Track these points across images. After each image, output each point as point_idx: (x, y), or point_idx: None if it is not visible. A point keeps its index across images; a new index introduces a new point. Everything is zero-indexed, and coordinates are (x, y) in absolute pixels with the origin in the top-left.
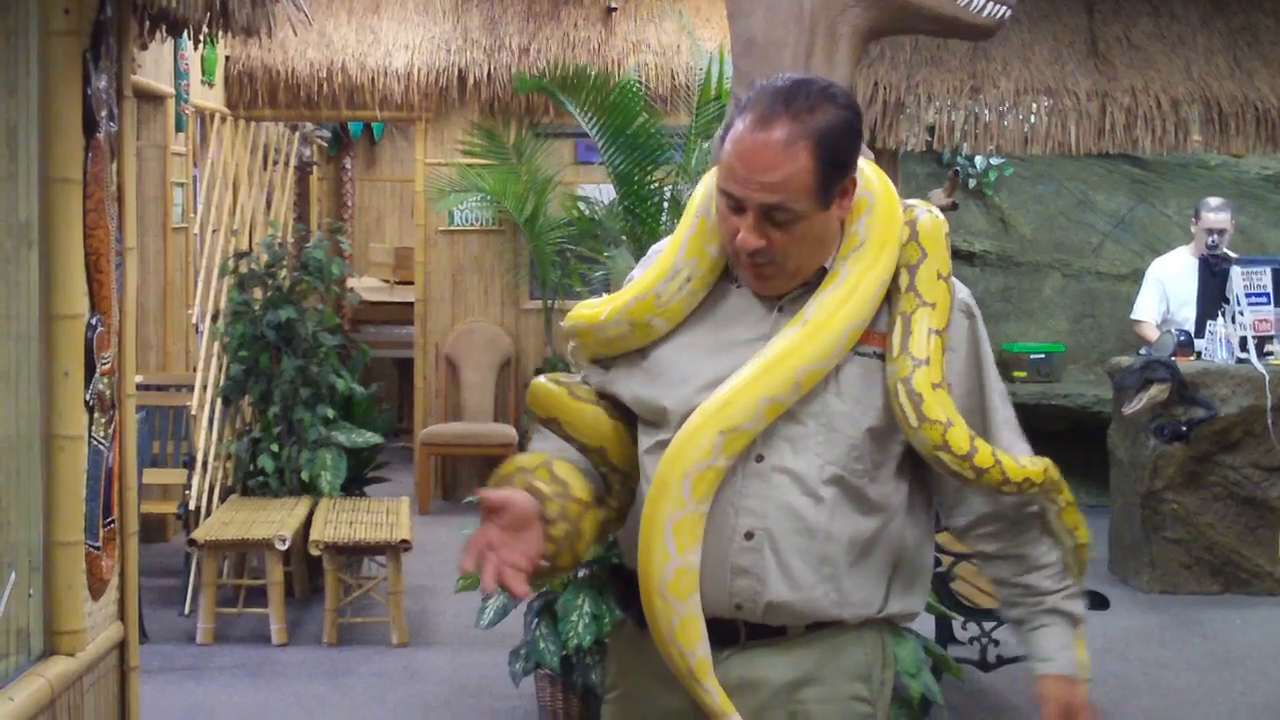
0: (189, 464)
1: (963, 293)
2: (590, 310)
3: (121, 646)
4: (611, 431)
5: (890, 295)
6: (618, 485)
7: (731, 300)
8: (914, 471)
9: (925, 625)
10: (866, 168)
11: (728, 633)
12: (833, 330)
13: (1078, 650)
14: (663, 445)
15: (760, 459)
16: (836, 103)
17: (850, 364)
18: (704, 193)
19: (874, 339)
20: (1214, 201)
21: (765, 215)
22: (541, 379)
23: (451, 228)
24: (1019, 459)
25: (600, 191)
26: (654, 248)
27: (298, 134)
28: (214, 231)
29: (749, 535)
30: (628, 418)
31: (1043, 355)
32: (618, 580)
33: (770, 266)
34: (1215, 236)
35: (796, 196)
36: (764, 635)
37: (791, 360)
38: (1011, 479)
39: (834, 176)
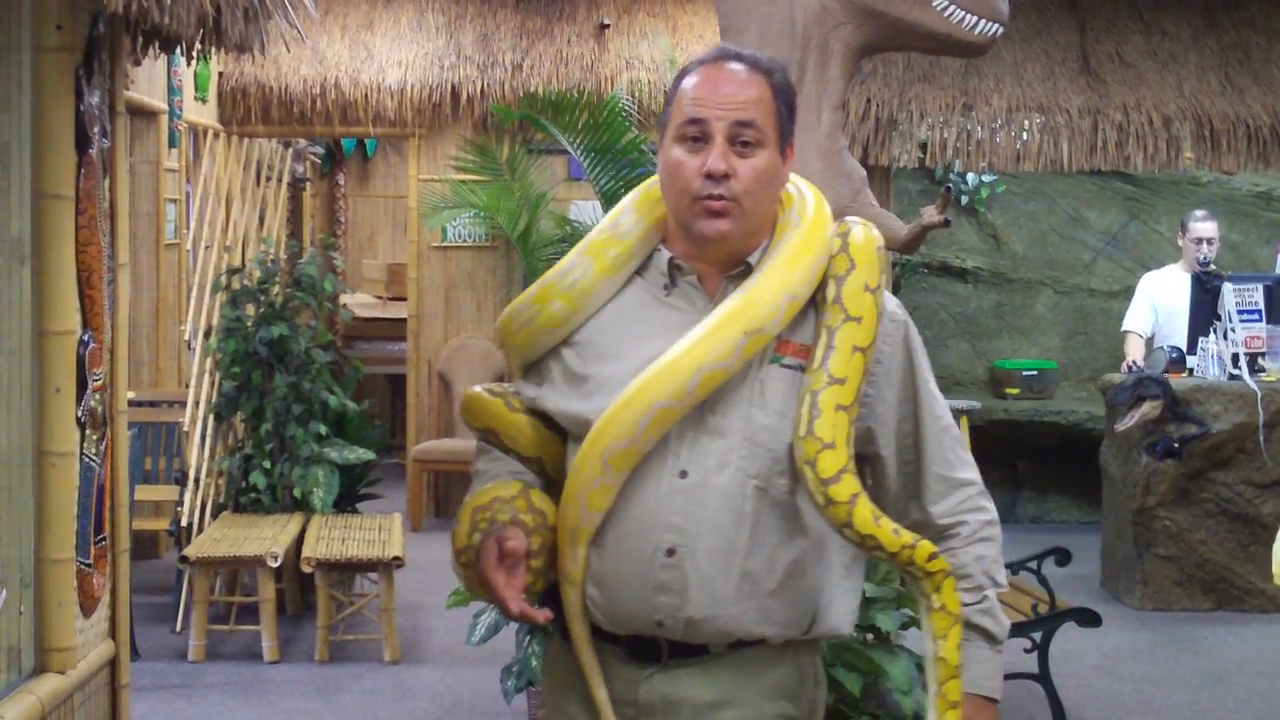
0: (181, 480)
1: (893, 303)
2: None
3: (113, 664)
4: (549, 442)
5: (816, 305)
6: (554, 497)
7: (660, 312)
8: None
9: (918, 642)
10: (799, 179)
11: (650, 651)
12: (825, 230)
13: (992, 668)
14: None
15: (684, 475)
16: (776, 61)
17: (773, 376)
18: (617, 210)
19: (800, 351)
20: (1199, 213)
21: (733, 140)
22: (476, 388)
23: (444, 244)
24: (885, 521)
25: (594, 208)
26: None
27: (291, 150)
28: (207, 248)
29: (671, 552)
30: (561, 430)
31: (1035, 372)
32: (547, 594)
33: (730, 203)
34: (1205, 246)
35: (764, 117)
36: (686, 654)
37: (807, 255)
38: (856, 527)
39: (788, 120)
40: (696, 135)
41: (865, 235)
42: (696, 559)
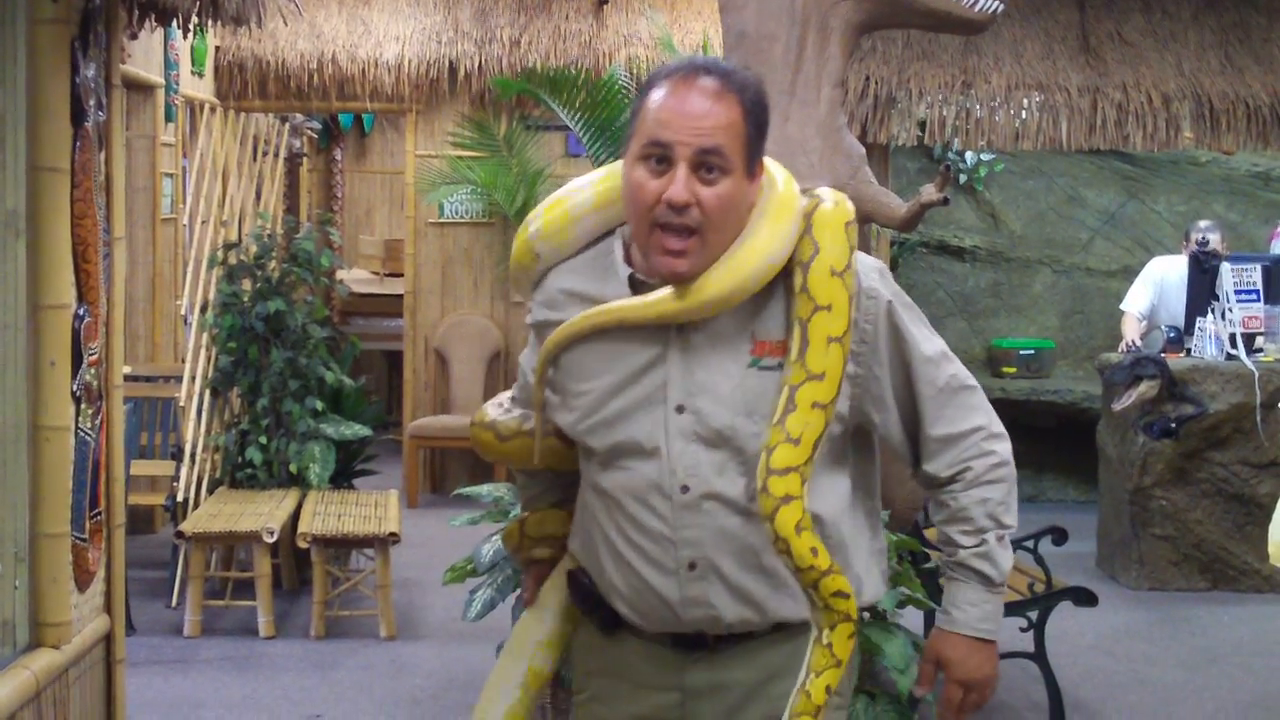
0: (177, 456)
1: (871, 277)
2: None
3: (108, 639)
4: (546, 454)
5: (787, 293)
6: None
7: (625, 330)
8: (854, 465)
9: (914, 620)
10: (769, 162)
11: (696, 641)
12: (794, 202)
13: (989, 611)
14: (595, 489)
15: (685, 489)
16: (749, 76)
17: (753, 380)
18: (577, 183)
19: (775, 349)
20: (1203, 224)
21: (698, 167)
22: (475, 420)
23: (441, 220)
24: (808, 536)
25: None
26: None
27: (288, 125)
28: (203, 222)
29: (692, 566)
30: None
31: (1032, 351)
32: (577, 584)
33: (691, 238)
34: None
35: (731, 144)
36: (731, 640)
37: (783, 220)
38: (775, 526)
39: (758, 140)
40: (660, 157)
41: (834, 211)
42: (720, 568)
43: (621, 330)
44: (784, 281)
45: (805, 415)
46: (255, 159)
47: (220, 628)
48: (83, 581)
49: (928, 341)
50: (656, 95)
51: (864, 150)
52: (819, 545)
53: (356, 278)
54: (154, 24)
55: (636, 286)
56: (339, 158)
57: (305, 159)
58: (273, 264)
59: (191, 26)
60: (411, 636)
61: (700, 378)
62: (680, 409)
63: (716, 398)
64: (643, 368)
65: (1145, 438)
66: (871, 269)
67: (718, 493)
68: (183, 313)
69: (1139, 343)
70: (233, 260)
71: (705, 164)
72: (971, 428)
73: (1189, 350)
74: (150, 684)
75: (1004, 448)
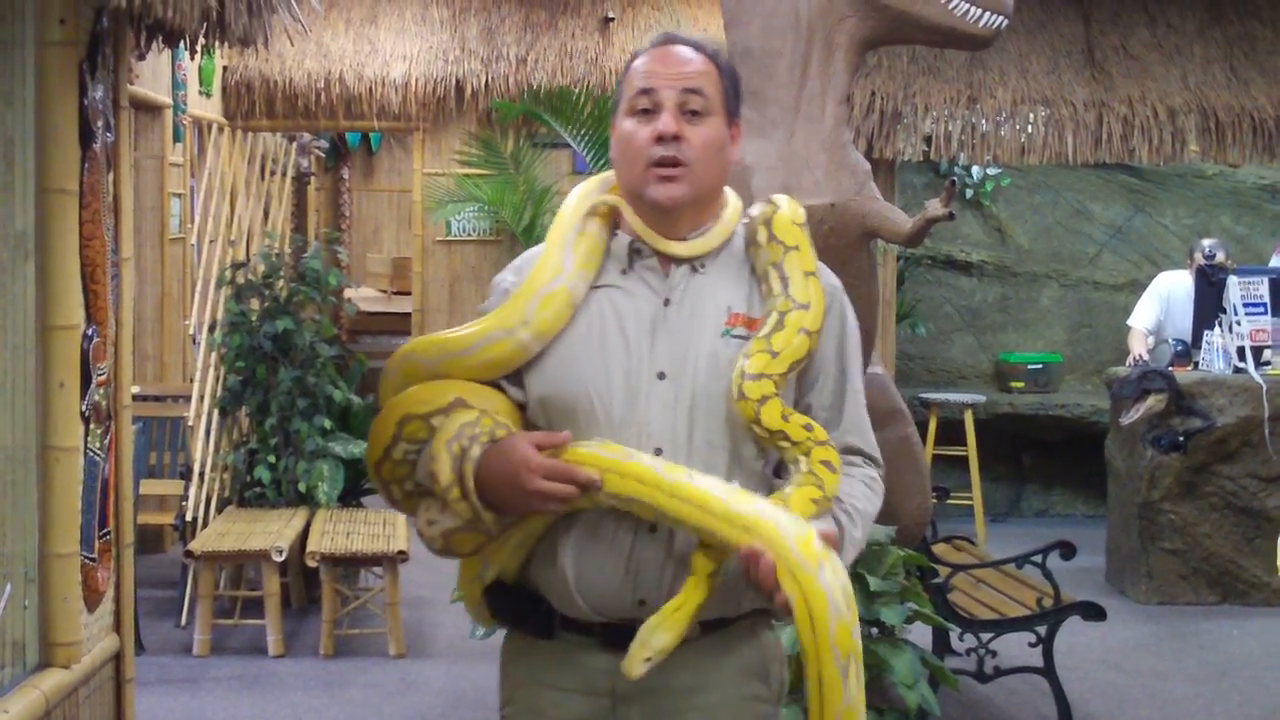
0: (186, 475)
1: (826, 270)
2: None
3: (117, 658)
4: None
5: (753, 255)
6: None
7: (617, 301)
8: None
9: (922, 636)
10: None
11: (625, 638)
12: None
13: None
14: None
15: (659, 451)
16: (720, 48)
17: (724, 348)
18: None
19: (748, 322)
20: (1207, 242)
21: (682, 107)
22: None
23: (449, 238)
24: (796, 418)
25: None
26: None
27: (295, 144)
28: (211, 242)
29: (653, 529)
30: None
31: (1040, 365)
32: (499, 594)
33: (680, 169)
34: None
35: (711, 88)
36: None
37: None
38: (765, 424)
39: (733, 98)
40: (647, 106)
41: (789, 200)
42: (676, 534)
43: (612, 306)
44: (753, 254)
45: (791, 336)
46: (263, 178)
47: (229, 647)
48: (92, 601)
49: (859, 357)
50: (639, 62)
51: (869, 166)
52: (811, 421)
53: (364, 296)
54: (161, 45)
55: (633, 256)
56: (346, 176)
57: (313, 178)
58: (281, 283)
59: (199, 47)
60: (420, 655)
61: (681, 348)
62: (661, 375)
63: (695, 365)
64: (629, 339)
65: (1153, 451)
66: (832, 275)
67: (687, 458)
68: (191, 332)
69: (1146, 357)
70: (241, 279)
71: (689, 105)
72: (874, 456)
73: (1197, 364)
74: (160, 703)
75: (880, 487)
